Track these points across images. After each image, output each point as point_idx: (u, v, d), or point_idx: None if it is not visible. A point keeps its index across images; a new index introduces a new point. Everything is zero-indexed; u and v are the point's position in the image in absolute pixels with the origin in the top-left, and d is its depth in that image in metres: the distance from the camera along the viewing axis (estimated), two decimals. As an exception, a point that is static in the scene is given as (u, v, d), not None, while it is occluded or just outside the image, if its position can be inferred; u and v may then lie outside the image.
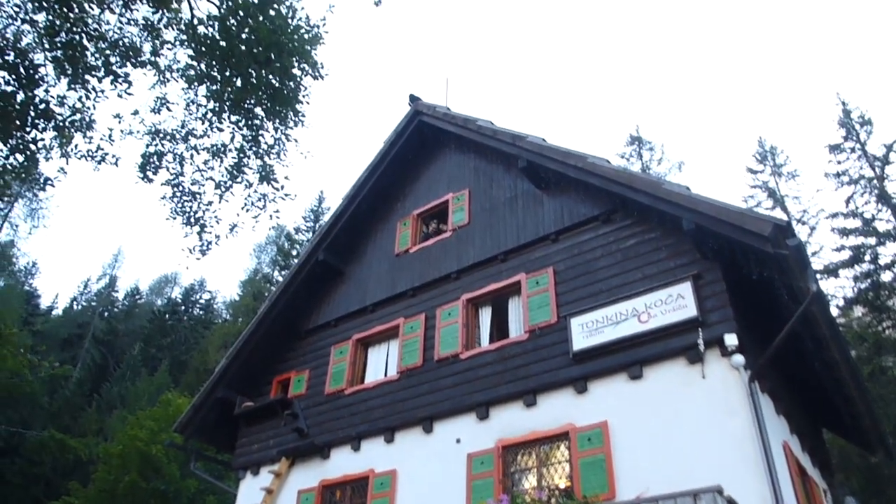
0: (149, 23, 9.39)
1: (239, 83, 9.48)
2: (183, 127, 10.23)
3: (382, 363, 14.68)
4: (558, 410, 11.14)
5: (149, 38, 9.54)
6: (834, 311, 27.02)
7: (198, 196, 10.51)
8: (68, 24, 8.48)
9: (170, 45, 9.65)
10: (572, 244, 12.70)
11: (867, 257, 27.31)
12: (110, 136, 9.69)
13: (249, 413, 15.86)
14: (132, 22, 9.26)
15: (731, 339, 9.73)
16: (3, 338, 24.63)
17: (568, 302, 12.01)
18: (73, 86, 8.88)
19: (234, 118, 10.07)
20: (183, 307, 58.28)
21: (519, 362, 12.03)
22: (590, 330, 11.20)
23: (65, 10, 8.37)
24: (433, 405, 12.75)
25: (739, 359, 9.67)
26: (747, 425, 9.29)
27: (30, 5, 8.41)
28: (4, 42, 8.49)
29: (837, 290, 27.92)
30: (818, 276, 26.54)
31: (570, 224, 12.84)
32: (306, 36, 9.23)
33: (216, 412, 16.24)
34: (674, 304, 10.54)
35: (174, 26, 9.53)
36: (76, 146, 9.45)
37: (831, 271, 27.89)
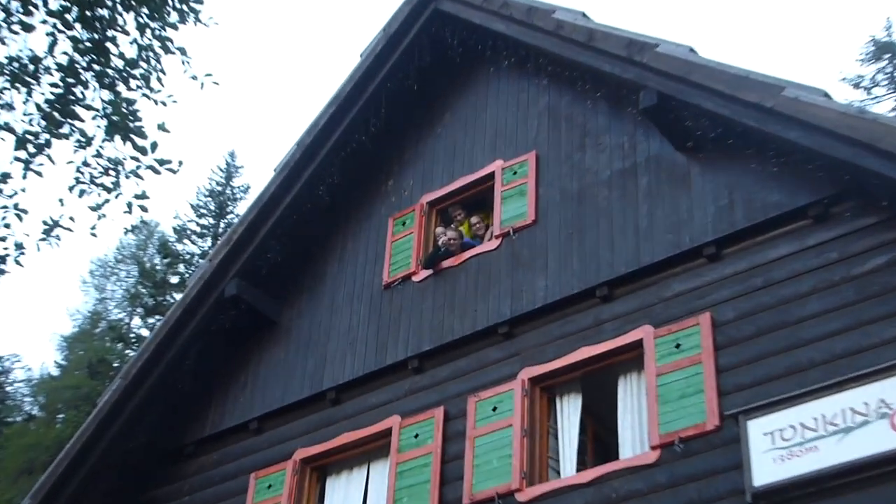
0: None
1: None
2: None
3: (354, 509, 14.72)
4: None
5: None
6: None
7: (-21, 164, 10.49)
8: None
9: None
10: (750, 267, 12.63)
11: None
12: None
13: None
14: None
15: None
16: None
17: (740, 387, 11.89)
18: None
19: (56, 1, 10.03)
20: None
21: (641, 513, 11.95)
22: (787, 445, 11.02)
23: None
24: None
25: None
26: None
27: None
28: None
29: None
30: None
31: (747, 225, 12.75)
32: None
33: None
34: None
35: None
36: None
37: None
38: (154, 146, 10.50)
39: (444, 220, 16.24)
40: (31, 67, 10.38)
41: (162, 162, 10.57)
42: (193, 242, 50.52)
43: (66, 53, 10.31)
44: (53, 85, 10.40)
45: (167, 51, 10.40)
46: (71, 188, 10.50)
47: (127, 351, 47.24)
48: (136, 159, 10.51)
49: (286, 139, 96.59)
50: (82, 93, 10.40)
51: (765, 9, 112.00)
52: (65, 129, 10.46)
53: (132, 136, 10.45)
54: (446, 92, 17.10)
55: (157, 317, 45.13)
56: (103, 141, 10.45)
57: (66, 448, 16.57)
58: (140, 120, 10.46)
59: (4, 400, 59.38)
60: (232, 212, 51.08)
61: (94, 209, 10.49)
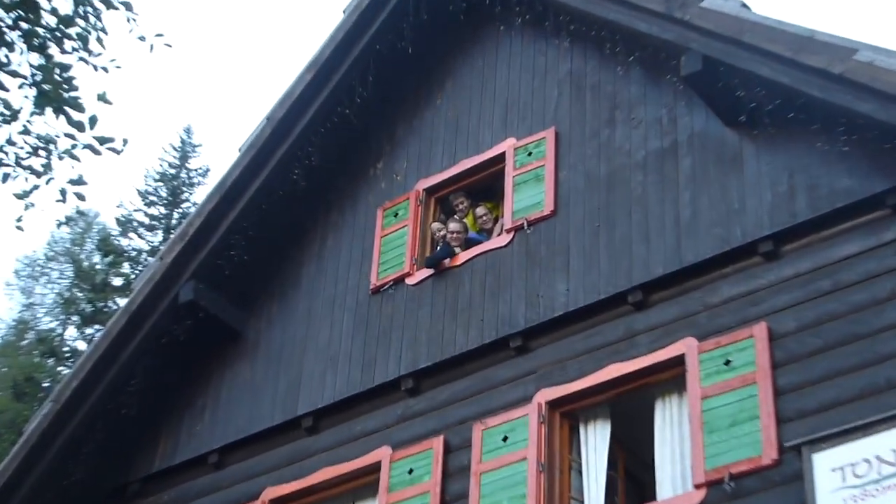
0: None
1: None
2: None
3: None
4: None
5: None
6: None
7: None
8: None
9: None
10: (814, 267, 12.59)
11: None
12: None
13: None
14: None
15: None
16: None
17: (803, 412, 11.87)
18: None
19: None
20: None
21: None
22: (860, 483, 11.02)
23: None
24: None
25: None
26: None
27: None
28: None
29: None
30: None
31: (812, 217, 12.72)
32: None
33: None
34: None
35: None
36: None
37: None
38: (93, 121, 10.49)
39: (444, 211, 16.25)
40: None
41: (103, 140, 10.57)
42: (141, 237, 50.57)
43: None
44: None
45: (109, 6, 10.39)
46: (-9, 172, 10.52)
47: (60, 368, 47.21)
48: (72, 137, 10.52)
49: (254, 112, 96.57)
50: (7, 56, 10.42)
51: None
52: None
53: (67, 108, 10.44)
54: (447, 55, 17.14)
55: (97, 326, 45.15)
56: (32, 114, 10.47)
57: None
58: (76, 89, 10.46)
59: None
60: (188, 200, 51.12)
61: (20, 197, 10.51)
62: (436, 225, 15.88)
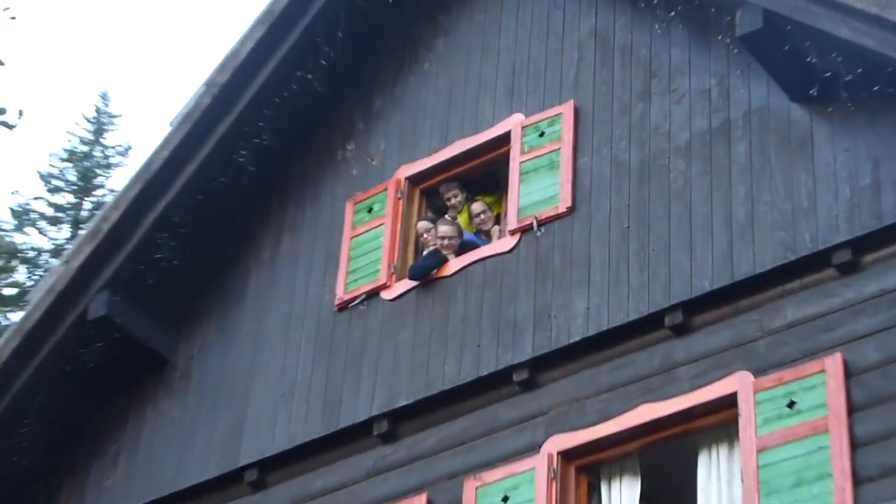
0: None
1: None
2: None
3: None
4: None
5: None
6: None
7: None
8: None
9: None
10: (896, 281, 12.63)
11: None
12: None
13: None
14: None
15: None
16: None
17: (887, 470, 11.75)
18: None
19: None
20: None
21: None
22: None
23: None
24: None
25: None
26: None
27: None
28: None
29: None
30: None
31: (900, 219, 12.73)
32: None
33: None
34: None
35: None
36: None
37: None
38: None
39: (432, 207, 16.26)
40: None
41: (-10, 110, 10.63)
42: (41, 233, 50.49)
43: None
44: None
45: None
46: None
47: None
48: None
49: (189, 77, 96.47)
50: None
51: None
52: None
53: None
54: (439, 7, 17.18)
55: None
56: None
57: None
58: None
59: None
60: (102, 186, 51.06)
61: None
62: (422, 225, 15.83)
